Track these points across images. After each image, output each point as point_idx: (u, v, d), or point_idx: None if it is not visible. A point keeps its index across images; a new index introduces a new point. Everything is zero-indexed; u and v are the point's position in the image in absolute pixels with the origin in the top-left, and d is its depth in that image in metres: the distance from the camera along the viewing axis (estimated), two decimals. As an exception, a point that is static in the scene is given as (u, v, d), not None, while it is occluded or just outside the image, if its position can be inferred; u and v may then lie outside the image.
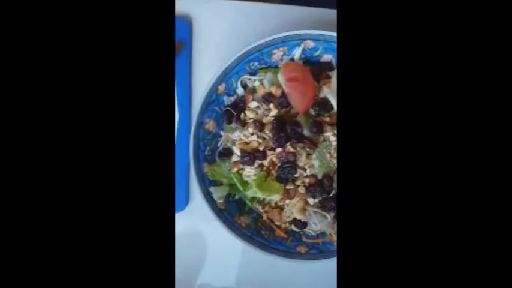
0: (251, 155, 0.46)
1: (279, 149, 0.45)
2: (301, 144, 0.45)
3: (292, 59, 0.48)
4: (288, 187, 0.46)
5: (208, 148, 0.49)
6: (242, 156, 0.46)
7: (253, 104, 0.48)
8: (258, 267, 0.55)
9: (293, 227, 0.49)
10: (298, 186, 0.46)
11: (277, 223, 0.49)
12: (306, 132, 0.45)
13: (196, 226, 0.56)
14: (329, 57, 0.48)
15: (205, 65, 0.55)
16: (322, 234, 0.49)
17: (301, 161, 0.45)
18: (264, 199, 0.50)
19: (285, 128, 0.44)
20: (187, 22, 0.56)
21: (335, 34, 0.45)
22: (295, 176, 0.45)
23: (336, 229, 0.48)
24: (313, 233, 0.49)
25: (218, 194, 0.48)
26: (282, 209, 0.49)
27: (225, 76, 0.47)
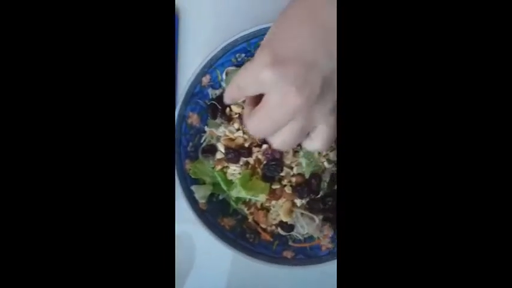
0: (236, 152, 0.43)
1: (264, 146, 0.42)
2: (288, 141, 0.42)
3: (281, 52, 0.46)
4: (274, 187, 0.43)
5: (191, 144, 0.46)
6: (226, 153, 0.43)
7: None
8: (248, 271, 0.52)
9: (280, 230, 0.46)
10: (285, 185, 0.43)
11: (263, 226, 0.46)
12: (293, 127, 0.42)
13: (182, 227, 0.53)
14: (320, 49, 0.45)
15: (192, 58, 0.53)
16: (310, 238, 0.46)
17: (288, 158, 0.42)
18: (249, 200, 0.47)
19: (271, 123, 0.41)
20: (175, 13, 0.53)
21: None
22: (282, 174, 0.42)
23: (324, 232, 0.45)
24: (300, 237, 0.46)
25: (200, 193, 0.45)
26: (268, 210, 0.46)
27: (210, 67, 0.44)
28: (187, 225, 0.52)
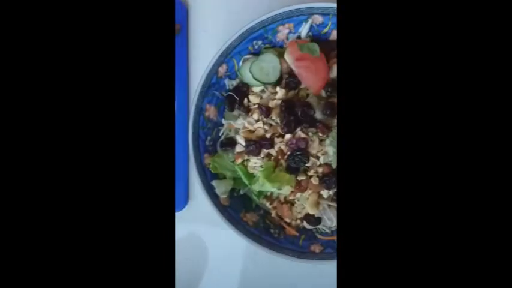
0: (257, 144, 0.41)
1: (288, 136, 0.40)
2: (313, 129, 0.40)
3: (299, 37, 0.44)
4: (299, 178, 0.41)
5: (209, 138, 0.44)
6: (247, 146, 0.41)
7: (257, 88, 0.43)
8: (265, 270, 0.50)
9: (305, 224, 0.44)
10: (311, 176, 0.41)
11: (288, 220, 0.44)
12: (318, 115, 0.40)
13: (197, 227, 0.51)
14: (341, 33, 0.43)
15: (204, 49, 0.51)
16: (338, 230, 0.44)
17: (314, 148, 0.40)
18: (272, 194, 0.45)
19: (295, 111, 0.39)
20: (183, 5, 0.51)
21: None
22: (307, 165, 0.40)
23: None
24: (327, 230, 0.44)
25: (221, 188, 0.43)
26: (292, 204, 0.44)
27: (226, 56, 0.42)
28: (206, 221, 0.50)
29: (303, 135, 0.40)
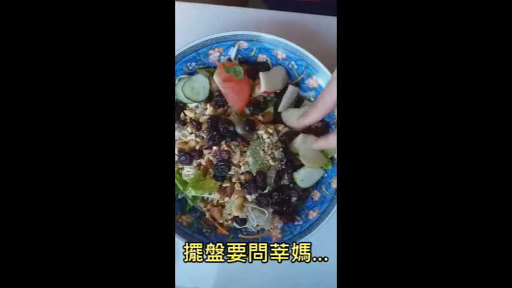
0: (187, 155, 0.46)
1: (215, 148, 0.46)
2: (235, 142, 0.46)
3: (229, 59, 0.49)
4: (224, 185, 0.47)
5: (148, 148, 0.49)
6: (179, 156, 0.47)
7: (192, 104, 0.49)
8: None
9: (235, 224, 0.50)
10: (235, 183, 0.47)
11: (220, 221, 0.50)
12: (239, 130, 0.46)
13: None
14: (264, 57, 0.49)
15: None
16: (262, 230, 0.50)
17: (236, 158, 0.46)
18: (207, 198, 0.50)
19: (218, 127, 0.45)
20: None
21: (267, 35, 0.46)
22: (231, 173, 0.46)
23: (275, 224, 0.49)
24: (253, 229, 0.50)
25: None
26: (223, 206, 0.50)
27: (161, 76, 0.47)
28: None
29: (226, 147, 0.46)
